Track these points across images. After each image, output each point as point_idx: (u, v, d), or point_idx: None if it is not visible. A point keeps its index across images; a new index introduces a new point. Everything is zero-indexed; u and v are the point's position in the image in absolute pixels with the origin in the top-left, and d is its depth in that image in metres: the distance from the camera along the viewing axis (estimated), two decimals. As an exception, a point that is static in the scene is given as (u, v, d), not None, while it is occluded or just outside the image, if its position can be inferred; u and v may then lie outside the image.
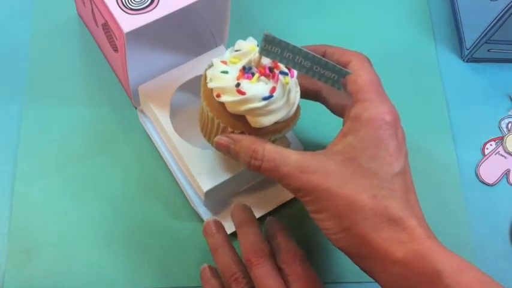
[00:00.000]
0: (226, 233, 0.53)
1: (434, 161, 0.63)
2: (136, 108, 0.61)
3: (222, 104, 0.47)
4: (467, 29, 0.67)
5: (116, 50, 0.55)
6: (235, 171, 0.54)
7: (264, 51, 0.43)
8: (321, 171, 0.43)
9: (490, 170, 0.63)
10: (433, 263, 0.40)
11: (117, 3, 0.49)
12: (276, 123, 0.47)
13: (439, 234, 0.59)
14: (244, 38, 0.66)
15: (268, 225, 0.53)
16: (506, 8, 0.59)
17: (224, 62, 0.47)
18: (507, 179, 0.63)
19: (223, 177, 0.54)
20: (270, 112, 0.46)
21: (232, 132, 0.48)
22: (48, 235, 0.56)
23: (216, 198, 0.57)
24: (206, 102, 0.48)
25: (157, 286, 0.55)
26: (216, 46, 0.60)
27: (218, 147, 0.49)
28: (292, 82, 0.47)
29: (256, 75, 0.46)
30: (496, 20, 0.61)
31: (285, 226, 0.53)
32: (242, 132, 0.48)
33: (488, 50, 0.66)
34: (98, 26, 0.58)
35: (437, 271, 0.40)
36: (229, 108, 0.47)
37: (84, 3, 0.59)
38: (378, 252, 0.42)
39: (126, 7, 0.49)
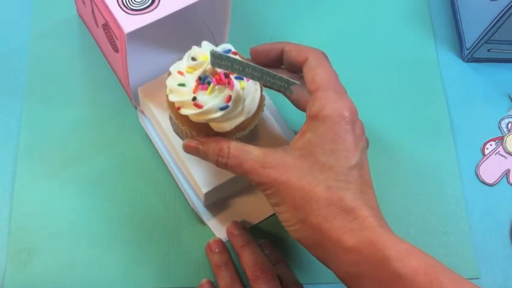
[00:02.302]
0: (230, 253, 0.55)
1: (435, 161, 0.63)
2: (136, 108, 0.61)
3: None
4: (467, 29, 0.67)
5: (116, 50, 0.55)
6: None
7: (215, 64, 0.45)
8: (280, 166, 0.45)
9: (490, 170, 0.63)
10: (382, 249, 0.41)
11: (118, 4, 0.49)
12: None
13: (439, 234, 0.60)
14: (244, 39, 0.66)
15: (268, 250, 0.56)
16: (506, 8, 0.59)
17: (181, 73, 0.48)
18: (507, 179, 0.63)
19: (223, 178, 0.54)
20: (231, 118, 0.48)
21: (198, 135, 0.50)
22: (48, 235, 0.56)
23: (216, 199, 0.57)
24: (171, 110, 0.50)
25: (157, 286, 0.55)
26: (217, 47, 0.60)
27: (188, 150, 0.51)
28: (248, 85, 0.48)
29: (212, 85, 0.46)
30: (496, 20, 0.61)
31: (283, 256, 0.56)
32: (207, 135, 0.49)
33: (488, 50, 0.66)
34: (98, 27, 0.58)
35: (385, 256, 0.41)
36: (192, 119, 0.48)
37: (84, 3, 0.59)
38: (331, 240, 0.43)
39: (126, 7, 0.49)
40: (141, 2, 0.50)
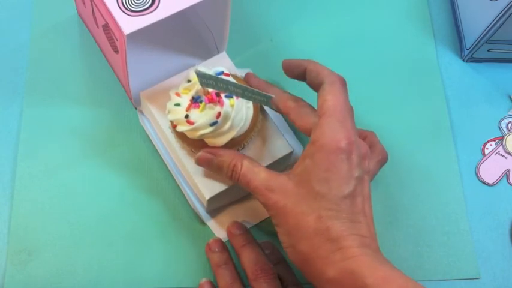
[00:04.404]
0: (230, 252, 0.56)
1: (435, 161, 0.63)
2: (136, 108, 0.61)
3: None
4: (467, 29, 0.67)
5: (116, 51, 0.55)
6: None
7: (203, 83, 0.48)
8: (281, 191, 0.48)
9: (490, 170, 0.63)
10: (361, 278, 0.43)
11: (118, 5, 0.49)
12: (233, 139, 0.52)
13: (439, 234, 0.60)
14: (244, 39, 0.66)
15: (268, 250, 0.56)
16: (506, 8, 0.59)
17: (178, 94, 0.52)
18: (507, 179, 0.63)
19: (225, 184, 0.54)
20: (222, 133, 0.51)
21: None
22: (48, 235, 0.56)
23: (218, 205, 0.57)
24: (172, 130, 0.54)
25: (157, 286, 0.55)
26: (218, 51, 0.60)
27: (201, 161, 0.53)
28: (238, 102, 0.50)
29: (203, 103, 0.50)
30: (496, 20, 0.61)
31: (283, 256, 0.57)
32: None
33: (488, 50, 0.66)
34: (98, 27, 0.58)
35: (364, 285, 0.43)
36: (188, 135, 0.52)
37: (84, 3, 0.59)
38: (315, 270, 0.45)
39: (126, 8, 0.49)
40: (141, 3, 0.50)
